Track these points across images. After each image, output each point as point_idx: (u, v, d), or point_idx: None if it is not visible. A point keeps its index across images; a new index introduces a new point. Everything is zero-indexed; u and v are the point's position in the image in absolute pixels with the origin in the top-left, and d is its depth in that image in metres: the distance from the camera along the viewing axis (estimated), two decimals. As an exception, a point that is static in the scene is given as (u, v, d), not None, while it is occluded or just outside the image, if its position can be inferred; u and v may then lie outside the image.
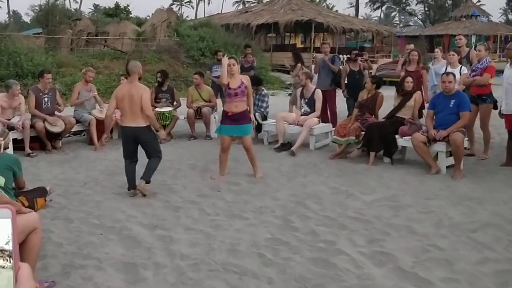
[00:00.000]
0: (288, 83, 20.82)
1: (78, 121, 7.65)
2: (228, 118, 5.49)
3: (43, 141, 7.13)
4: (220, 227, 4.11)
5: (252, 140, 5.78)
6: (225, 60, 5.49)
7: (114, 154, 7.03)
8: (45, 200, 4.68)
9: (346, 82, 8.83)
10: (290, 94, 10.09)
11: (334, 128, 7.35)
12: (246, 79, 5.57)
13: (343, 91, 8.89)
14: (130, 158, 5.09)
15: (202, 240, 3.83)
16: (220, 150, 5.71)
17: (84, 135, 8.22)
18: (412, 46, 8.75)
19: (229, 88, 5.44)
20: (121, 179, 5.42)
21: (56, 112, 7.40)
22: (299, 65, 9.55)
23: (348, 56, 9.47)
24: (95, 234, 3.96)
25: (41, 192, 4.73)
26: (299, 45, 33.31)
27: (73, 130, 7.81)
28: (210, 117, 8.39)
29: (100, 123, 7.60)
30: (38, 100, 7.14)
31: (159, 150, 5.14)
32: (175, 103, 8.61)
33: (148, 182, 5.02)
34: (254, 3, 60.86)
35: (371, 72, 10.25)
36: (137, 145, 5.07)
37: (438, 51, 8.17)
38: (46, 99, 7.23)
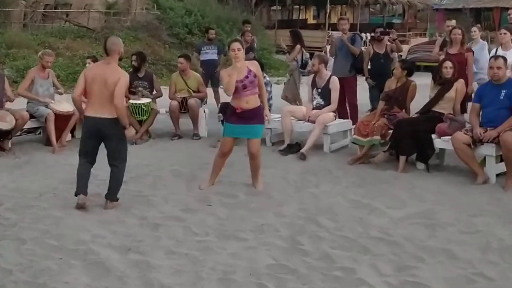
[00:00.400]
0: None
1: (32, 116, 7.64)
2: (236, 115, 5.45)
3: (-12, 141, 7.14)
4: (210, 251, 4.11)
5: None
6: (239, 66, 5.32)
7: (77, 158, 6.99)
8: (-10, 216, 4.67)
9: (369, 67, 8.85)
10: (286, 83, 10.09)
11: (354, 126, 7.35)
12: (254, 65, 5.53)
13: (366, 79, 8.91)
14: (87, 157, 5.15)
15: (188, 266, 3.83)
16: (217, 153, 5.66)
17: (40, 133, 8.22)
18: (453, 22, 8.75)
19: (236, 81, 5.35)
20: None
21: (5, 105, 7.39)
22: (298, 46, 9.58)
23: (372, 35, 9.49)
24: (53, 258, 3.95)
25: (-15, 205, 4.72)
26: (310, 20, 33.40)
27: (26, 127, 7.81)
28: (198, 111, 8.40)
29: (59, 118, 7.61)
30: (-20, 89, 7.15)
31: (126, 153, 5.21)
32: (154, 93, 8.63)
33: (115, 200, 5.11)
34: (254, -33, 60.99)
35: (401, 55, 10.30)
36: (99, 143, 5.14)
37: (476, 30, 8.18)
38: (-9, 88, 7.24)
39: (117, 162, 5.14)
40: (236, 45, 5.37)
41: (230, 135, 5.55)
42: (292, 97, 9.56)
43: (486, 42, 7.37)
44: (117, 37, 5.50)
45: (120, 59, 5.20)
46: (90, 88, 5.03)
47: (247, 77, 5.37)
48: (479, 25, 10.72)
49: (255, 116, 5.47)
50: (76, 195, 5.06)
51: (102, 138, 5.08)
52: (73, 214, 4.91)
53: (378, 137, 6.69)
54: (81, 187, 5.07)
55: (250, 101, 5.42)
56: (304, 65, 10.08)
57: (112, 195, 5.11)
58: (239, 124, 5.44)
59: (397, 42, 9.12)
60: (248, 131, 5.48)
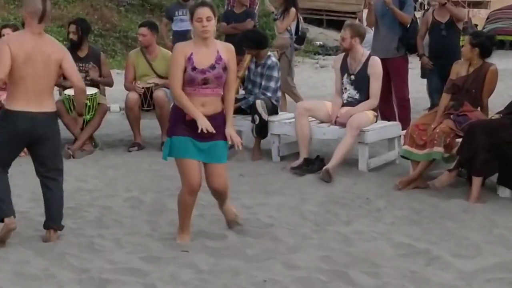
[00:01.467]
0: (319, 43, 21.07)
1: None
2: (187, 125, 5.17)
3: None
4: (185, 321, 4.12)
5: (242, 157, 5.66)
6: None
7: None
8: None
9: (428, 44, 8.88)
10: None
11: (405, 131, 7.38)
12: (228, 51, 5.27)
13: (421, 59, 8.93)
14: (6, 167, 5.35)
15: None
16: (182, 189, 5.30)
17: None
18: None
19: (194, 69, 5.10)
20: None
21: None
22: (293, 10, 9.58)
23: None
24: None
25: None
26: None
27: None
28: (169, 108, 8.42)
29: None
30: None
31: (62, 163, 5.42)
32: (102, 78, 8.70)
33: (60, 228, 5.37)
34: None
35: (476, 25, 10.31)
36: (22, 149, 5.43)
37: None
38: None
39: (57, 173, 5.34)
40: (204, 11, 5.07)
41: (192, 156, 5.16)
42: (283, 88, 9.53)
43: None
44: None
45: None
46: (21, 71, 5.11)
47: (213, 67, 5.14)
48: None
49: (215, 126, 5.12)
50: (2, 219, 5.16)
51: (34, 141, 5.23)
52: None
53: (441, 149, 6.70)
54: (9, 207, 5.22)
55: (207, 104, 5.17)
56: (300, 39, 10.19)
57: (56, 220, 5.32)
58: (195, 139, 5.14)
59: (460, 6, 8.97)
60: (206, 151, 5.20)
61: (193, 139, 5.10)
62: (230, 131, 5.25)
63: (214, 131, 5.05)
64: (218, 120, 5.19)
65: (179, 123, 5.16)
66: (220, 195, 5.42)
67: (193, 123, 5.05)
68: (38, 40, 5.18)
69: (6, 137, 5.21)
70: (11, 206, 5.23)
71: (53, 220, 5.28)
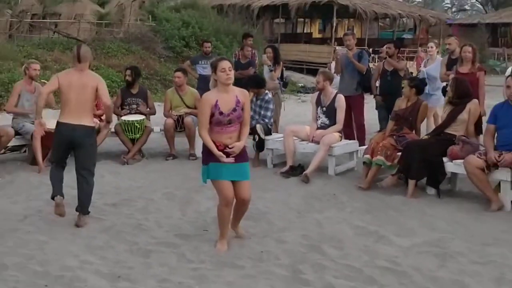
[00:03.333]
0: (300, 85, 21.10)
1: (17, 133, 7.70)
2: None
3: (-30, 159, 7.19)
4: (205, 279, 4.13)
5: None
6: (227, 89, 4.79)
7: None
8: (-29, 239, 4.71)
9: (379, 85, 8.91)
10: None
11: (362, 147, 7.41)
12: (244, 96, 4.86)
13: (374, 96, 8.98)
14: (61, 163, 5.53)
15: (181, 296, 3.85)
16: (220, 203, 4.79)
17: (25, 151, 8.26)
18: (452, 38, 8.76)
19: (221, 113, 4.71)
20: (73, 212, 5.44)
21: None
22: (281, 63, 9.70)
23: (380, 50, 9.54)
24: (37, 285, 3.98)
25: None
26: (316, 34, 33.64)
27: (10, 144, 7.86)
28: (195, 130, 8.44)
29: (46, 136, 7.60)
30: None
31: (94, 167, 5.51)
32: (148, 109, 8.70)
33: (85, 213, 5.38)
34: (256, -23, 61.42)
35: (411, 73, 10.32)
36: (70, 150, 5.48)
37: (432, 46, 8.14)
38: (-27, 103, 7.31)
39: (88, 173, 5.41)
40: (226, 64, 4.74)
41: (226, 177, 4.74)
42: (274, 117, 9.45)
43: (441, 59, 7.41)
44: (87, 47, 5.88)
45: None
46: (67, 95, 5.30)
47: (235, 110, 4.74)
48: (436, 41, 10.68)
49: (239, 153, 4.81)
50: (53, 198, 5.33)
51: (75, 145, 5.34)
52: (59, 239, 4.94)
53: (382, 158, 6.71)
54: (59, 190, 5.39)
55: (232, 137, 4.80)
56: (285, 84, 10.15)
57: (85, 208, 5.38)
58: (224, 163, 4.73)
59: (389, 60, 8.81)
60: (236, 171, 4.77)
61: (223, 164, 4.72)
62: (240, 144, 4.82)
63: (232, 160, 4.72)
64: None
65: (212, 153, 4.73)
66: (245, 205, 4.94)
67: (223, 151, 4.73)
68: (80, 74, 5.35)
69: (59, 140, 5.41)
70: (60, 190, 5.39)
71: (80, 206, 5.35)
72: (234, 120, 4.75)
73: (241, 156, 4.82)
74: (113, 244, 4.84)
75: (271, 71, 9.39)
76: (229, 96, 4.74)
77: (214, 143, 4.72)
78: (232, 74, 4.76)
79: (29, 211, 5.74)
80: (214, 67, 4.81)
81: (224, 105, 4.69)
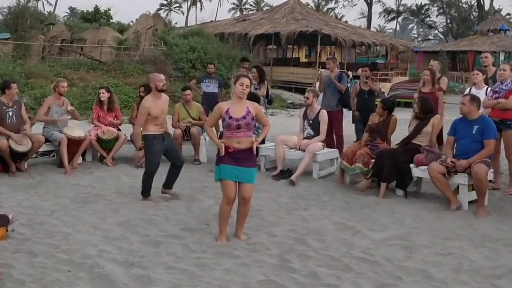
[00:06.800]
0: (289, 101, 21.12)
1: (47, 140, 7.66)
2: (230, 157, 4.67)
3: (7, 162, 7.14)
4: (206, 267, 4.11)
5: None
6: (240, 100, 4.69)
7: (87, 179, 7.03)
8: (7, 230, 4.67)
9: (356, 103, 8.93)
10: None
11: (342, 153, 7.41)
12: (254, 108, 4.75)
13: (353, 112, 8.99)
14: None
15: (186, 281, 3.83)
16: (222, 201, 4.72)
17: (54, 156, 8.23)
18: (436, 63, 8.72)
19: (230, 118, 4.64)
20: (94, 208, 5.41)
21: (23, 130, 7.38)
22: (265, 82, 9.16)
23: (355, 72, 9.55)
24: (62, 271, 3.95)
25: (2, 221, 4.73)
26: (303, 59, 33.80)
27: (41, 150, 7.83)
28: (199, 138, 8.45)
29: (72, 142, 7.63)
30: (1, 115, 7.17)
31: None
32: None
33: (169, 187, 6.24)
34: (252, 10, 61.80)
35: (383, 93, 10.33)
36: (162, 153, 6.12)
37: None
38: (10, 113, 7.26)
39: (181, 162, 6.30)
40: (246, 81, 4.66)
41: (230, 178, 4.63)
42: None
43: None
44: (153, 73, 6.46)
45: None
46: (160, 118, 6.07)
47: (244, 117, 4.63)
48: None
49: (247, 158, 4.68)
50: (145, 197, 6.06)
51: (169, 148, 6.16)
52: (82, 231, 4.91)
53: (361, 165, 6.74)
54: (149, 192, 6.13)
55: (242, 142, 4.66)
56: (270, 101, 9.64)
57: (169, 184, 6.24)
58: (232, 165, 4.63)
59: (369, 83, 8.76)
60: (241, 174, 4.65)
61: (233, 166, 4.63)
62: (257, 143, 4.79)
63: (235, 149, 4.62)
64: (249, 152, 4.71)
65: (224, 156, 4.65)
66: (245, 205, 4.75)
67: (234, 154, 4.64)
68: (158, 98, 6.06)
69: (158, 149, 6.04)
70: (150, 192, 6.08)
71: (166, 183, 6.17)
72: (242, 125, 4.63)
73: (251, 161, 4.73)
74: (128, 236, 4.81)
75: (256, 89, 9.02)
76: (240, 106, 4.67)
77: (226, 146, 4.66)
78: (247, 91, 4.68)
79: (56, 207, 5.70)
80: (236, 78, 4.74)
81: (235, 112, 4.64)
